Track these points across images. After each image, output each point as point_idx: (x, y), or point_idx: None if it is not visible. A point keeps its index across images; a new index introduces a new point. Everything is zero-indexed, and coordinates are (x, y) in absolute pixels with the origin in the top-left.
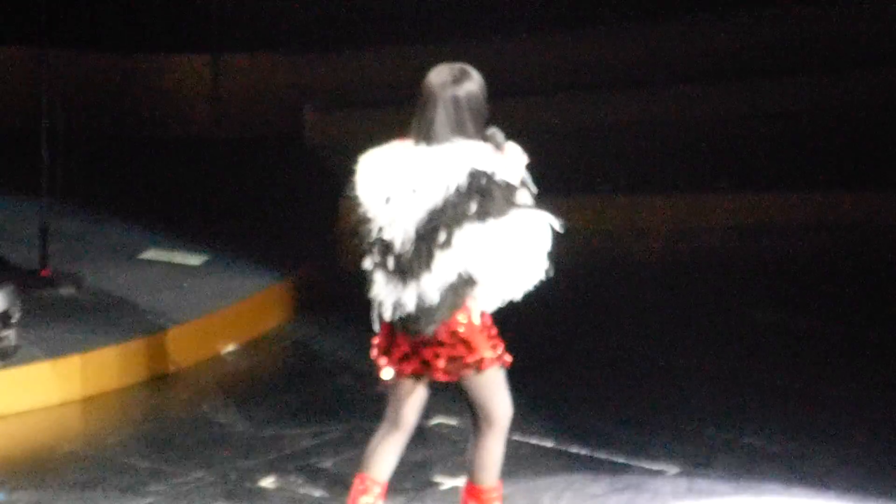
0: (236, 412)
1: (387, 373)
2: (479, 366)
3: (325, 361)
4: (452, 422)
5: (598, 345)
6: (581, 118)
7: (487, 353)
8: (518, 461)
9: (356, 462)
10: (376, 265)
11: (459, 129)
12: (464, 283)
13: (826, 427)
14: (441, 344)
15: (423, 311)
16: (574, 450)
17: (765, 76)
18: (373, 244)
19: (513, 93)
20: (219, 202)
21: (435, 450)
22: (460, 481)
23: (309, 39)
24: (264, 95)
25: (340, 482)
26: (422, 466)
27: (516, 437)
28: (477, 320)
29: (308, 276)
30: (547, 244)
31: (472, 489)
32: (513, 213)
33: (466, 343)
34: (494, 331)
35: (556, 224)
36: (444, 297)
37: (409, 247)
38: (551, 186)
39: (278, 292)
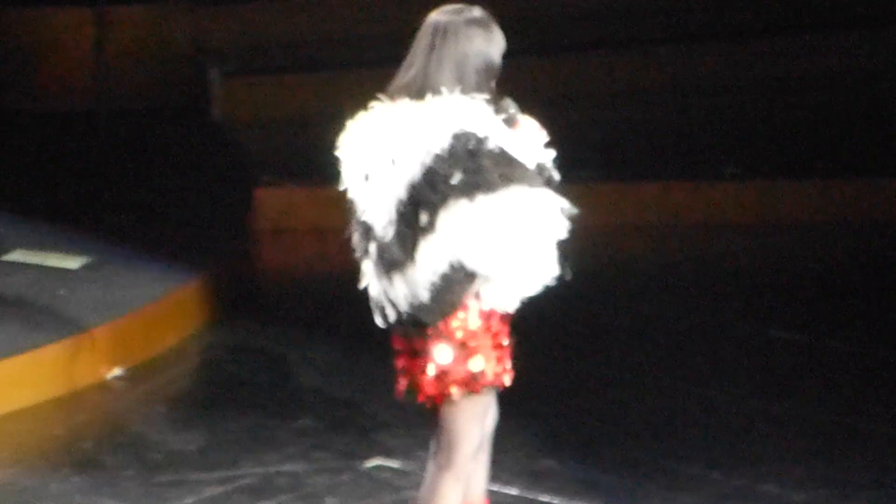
0: (124, 453)
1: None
2: (469, 383)
3: (239, 388)
4: (394, 464)
5: (582, 365)
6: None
7: (485, 367)
8: None
9: None
10: (363, 255)
11: (458, 85)
12: (459, 276)
13: (864, 471)
14: (418, 354)
15: (414, 311)
16: (545, 499)
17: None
18: (355, 229)
19: None
20: (104, 190)
21: (373, 499)
22: None
23: None
24: (159, 57)
25: None
26: None
27: None
28: (476, 322)
29: (217, 280)
30: (556, 231)
31: None
32: (511, 190)
33: (461, 350)
34: (504, 340)
35: (568, 209)
36: (435, 294)
37: (389, 232)
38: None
39: (179, 301)
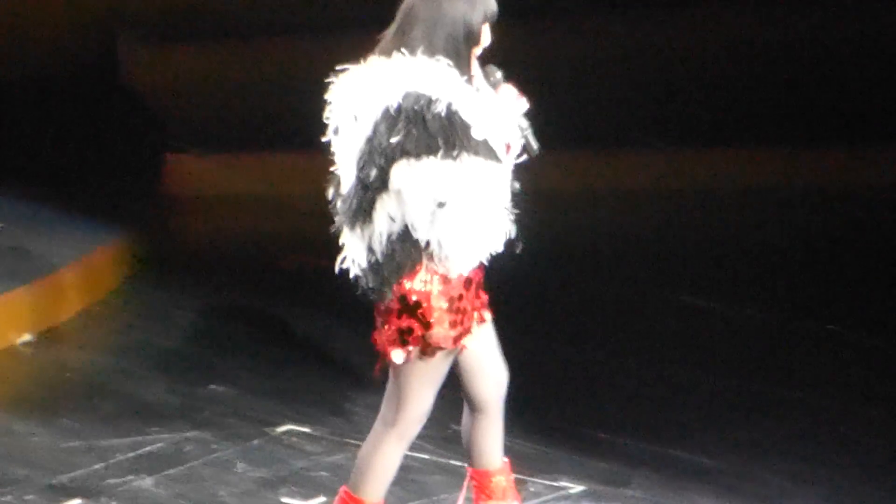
0: (34, 419)
1: (397, 355)
2: (423, 342)
3: (149, 353)
4: (304, 429)
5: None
6: None
7: (437, 331)
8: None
9: (184, 481)
10: (334, 209)
11: (428, 46)
12: (411, 237)
13: (774, 437)
14: (390, 312)
15: (372, 269)
16: (456, 462)
17: None
18: (330, 184)
19: None
20: (13, 156)
21: (283, 464)
22: (313, 502)
23: None
24: (70, 22)
25: None
26: (267, 484)
27: None
28: (437, 286)
29: (128, 246)
30: (494, 201)
31: (345, 498)
32: (453, 156)
33: (418, 311)
34: (466, 304)
35: (509, 184)
36: (390, 253)
37: (350, 187)
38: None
39: (90, 266)
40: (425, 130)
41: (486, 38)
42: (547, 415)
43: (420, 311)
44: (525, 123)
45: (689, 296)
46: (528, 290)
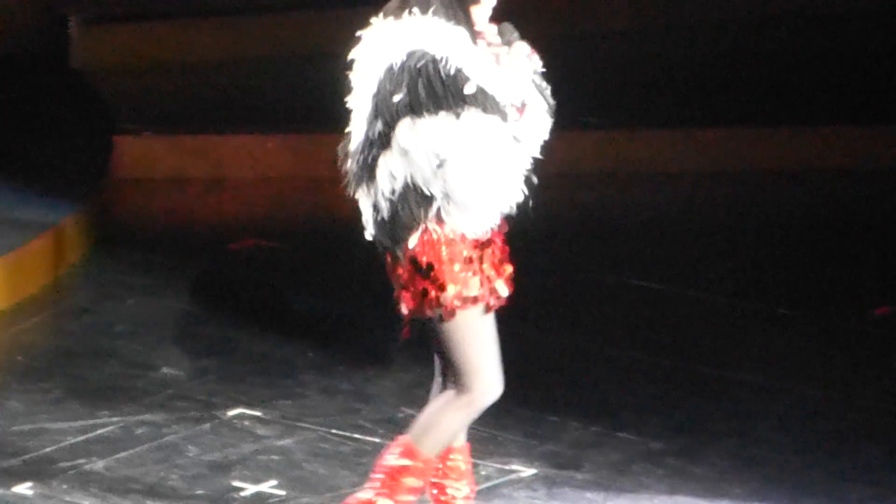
0: None
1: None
2: (440, 304)
3: (98, 336)
4: (256, 412)
5: None
6: None
7: (452, 290)
8: (332, 460)
9: (135, 464)
10: (345, 167)
11: (425, 5)
12: (415, 195)
13: (722, 420)
14: (400, 274)
15: (380, 228)
16: None
17: None
18: (345, 142)
19: None
20: None
21: (234, 448)
22: (265, 486)
23: None
24: (16, 2)
25: (116, 488)
26: (219, 468)
27: (335, 432)
28: (447, 245)
29: (77, 228)
30: (504, 159)
31: (407, 447)
32: (459, 112)
33: (428, 275)
34: (480, 265)
35: (516, 140)
36: (395, 212)
37: (357, 146)
38: None
39: (39, 249)
40: (428, 87)
41: None
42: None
43: (432, 273)
44: (540, 81)
45: (635, 278)
46: None
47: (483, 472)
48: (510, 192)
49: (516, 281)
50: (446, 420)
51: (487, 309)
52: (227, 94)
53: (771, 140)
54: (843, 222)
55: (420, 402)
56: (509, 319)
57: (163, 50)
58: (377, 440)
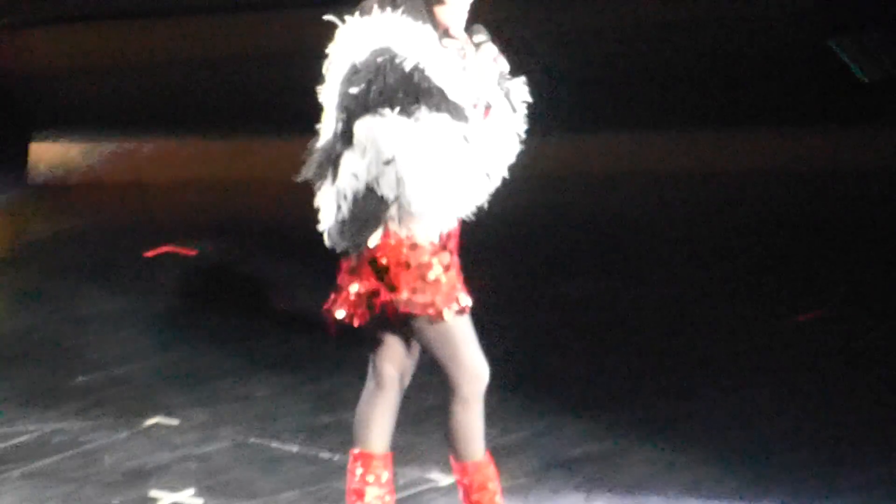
0: None
1: (339, 313)
2: (407, 309)
3: (15, 343)
4: (173, 421)
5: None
6: None
7: (407, 296)
8: (253, 469)
9: (51, 474)
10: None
11: (392, 4)
12: (375, 196)
13: (638, 426)
14: (358, 273)
15: (338, 226)
16: (325, 455)
17: None
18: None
19: None
20: None
21: (151, 456)
22: (183, 495)
23: None
24: None
25: (32, 498)
26: (136, 477)
27: (253, 440)
28: (407, 248)
29: None
30: (459, 160)
31: (459, 467)
32: (416, 113)
33: (387, 277)
34: (442, 267)
35: (475, 142)
36: (356, 211)
37: (323, 143)
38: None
39: None
40: (384, 84)
41: None
42: (418, 404)
43: (387, 275)
44: (506, 84)
45: (554, 283)
46: None
47: (401, 482)
48: (466, 196)
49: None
50: (460, 426)
51: (455, 310)
52: (145, 99)
53: (718, 142)
54: (779, 225)
55: (338, 408)
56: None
57: (79, 54)
58: (295, 448)
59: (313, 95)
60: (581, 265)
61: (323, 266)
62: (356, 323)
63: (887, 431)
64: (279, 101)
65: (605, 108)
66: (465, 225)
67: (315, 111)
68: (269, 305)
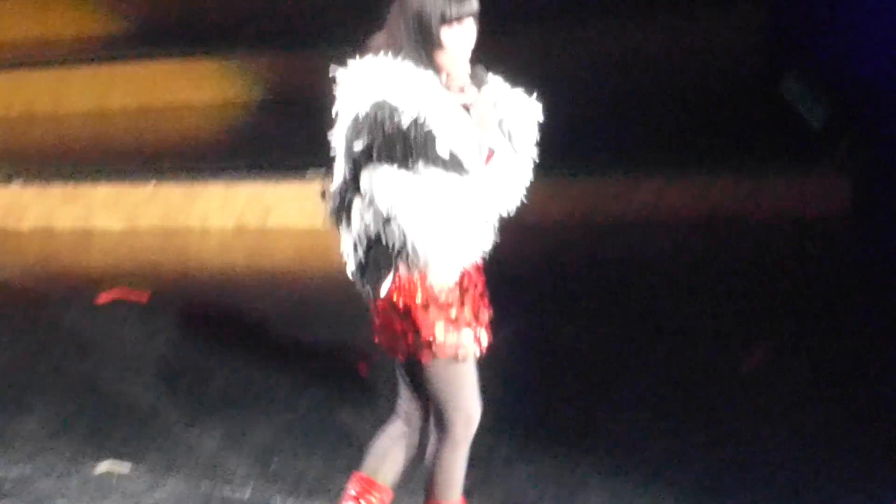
0: None
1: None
2: (416, 350)
3: None
4: (123, 468)
5: (314, 361)
6: None
7: (435, 336)
8: None
9: None
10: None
11: (394, 44)
12: (382, 241)
13: (593, 468)
14: (379, 313)
15: (359, 269)
16: (277, 501)
17: None
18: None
19: None
20: None
21: (104, 500)
22: None
23: None
24: None
25: None
26: None
27: (204, 486)
28: (422, 289)
29: None
30: (455, 211)
31: None
32: (413, 165)
33: (406, 318)
34: (458, 310)
35: (472, 192)
36: (369, 255)
37: (337, 186)
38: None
39: None
40: (383, 139)
41: (453, 41)
42: (363, 448)
43: (410, 316)
44: (507, 127)
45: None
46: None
47: None
48: (469, 244)
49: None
50: (450, 465)
51: (467, 353)
52: (91, 143)
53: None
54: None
55: (289, 454)
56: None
57: (30, 98)
58: (247, 495)
59: (260, 142)
60: (545, 304)
61: (268, 310)
62: (401, 358)
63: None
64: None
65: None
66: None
67: (251, 155)
68: (221, 348)
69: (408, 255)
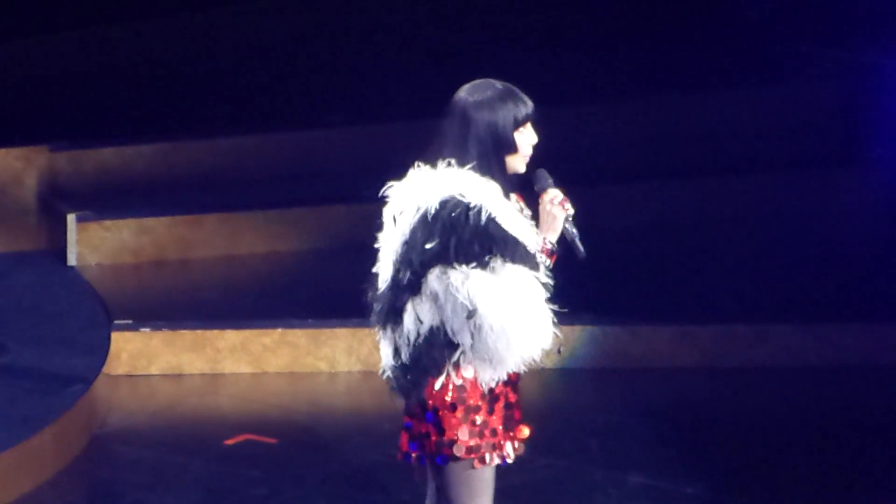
0: None
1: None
2: (441, 451)
3: None
4: None
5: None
6: None
7: (458, 438)
8: None
9: None
10: (371, 309)
11: (460, 155)
12: (440, 341)
13: None
14: (412, 414)
15: (399, 370)
16: None
17: None
18: (371, 283)
19: None
20: None
21: None
22: None
23: None
24: (14, 201)
25: None
26: None
27: None
28: (452, 392)
29: (71, 427)
30: (532, 312)
31: None
32: (492, 264)
33: (432, 418)
34: (485, 416)
35: (545, 289)
36: (417, 355)
37: (385, 289)
38: None
39: (35, 446)
40: (459, 239)
41: (525, 142)
42: None
43: (437, 416)
44: (571, 229)
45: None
46: None
47: None
48: (537, 342)
49: None
50: None
51: (485, 460)
52: (223, 289)
53: None
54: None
55: None
56: None
57: (158, 245)
58: None
59: None
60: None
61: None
62: (415, 461)
63: None
64: None
65: None
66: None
67: None
68: (344, 494)
69: (467, 356)
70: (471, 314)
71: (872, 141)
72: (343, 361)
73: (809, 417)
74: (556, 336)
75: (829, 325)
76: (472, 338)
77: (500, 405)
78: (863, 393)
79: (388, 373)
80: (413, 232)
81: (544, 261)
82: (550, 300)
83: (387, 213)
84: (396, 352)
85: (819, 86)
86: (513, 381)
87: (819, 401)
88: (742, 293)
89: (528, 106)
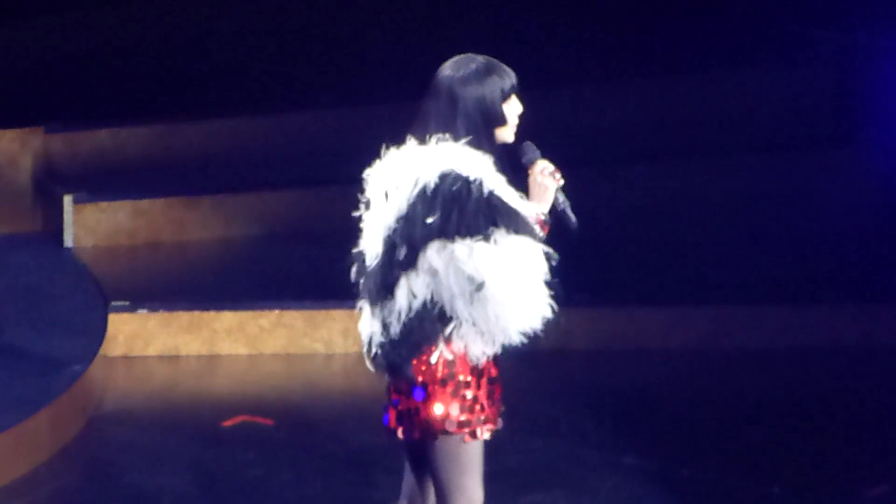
0: None
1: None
2: (432, 427)
3: None
4: None
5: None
6: None
7: (449, 413)
8: None
9: None
10: (356, 285)
11: (450, 130)
12: (432, 315)
13: None
14: (400, 391)
15: (388, 346)
16: None
17: None
18: (355, 260)
19: None
20: None
21: None
22: None
23: None
24: (9, 184)
25: None
26: None
27: None
28: (443, 367)
29: (68, 408)
30: (534, 284)
31: None
32: (495, 236)
33: (423, 394)
34: (474, 390)
35: (546, 259)
36: (407, 331)
37: (375, 263)
38: None
39: (31, 428)
40: (462, 212)
41: (512, 113)
42: None
43: (427, 392)
44: (562, 199)
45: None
46: None
47: None
48: (535, 314)
49: None
50: None
51: (475, 435)
52: (219, 271)
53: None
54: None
55: None
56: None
57: (154, 227)
58: None
59: None
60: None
61: None
62: (401, 436)
63: None
64: None
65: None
66: None
67: None
68: (341, 477)
69: (461, 329)
70: (479, 286)
71: (867, 123)
72: (339, 343)
73: (804, 399)
74: (554, 309)
75: (824, 306)
76: (472, 312)
77: (484, 380)
78: (857, 374)
79: (376, 349)
80: (412, 206)
81: (539, 232)
82: (551, 270)
83: (375, 189)
84: (385, 327)
85: (814, 68)
86: (496, 356)
87: (814, 382)
88: (736, 275)
89: (512, 77)
